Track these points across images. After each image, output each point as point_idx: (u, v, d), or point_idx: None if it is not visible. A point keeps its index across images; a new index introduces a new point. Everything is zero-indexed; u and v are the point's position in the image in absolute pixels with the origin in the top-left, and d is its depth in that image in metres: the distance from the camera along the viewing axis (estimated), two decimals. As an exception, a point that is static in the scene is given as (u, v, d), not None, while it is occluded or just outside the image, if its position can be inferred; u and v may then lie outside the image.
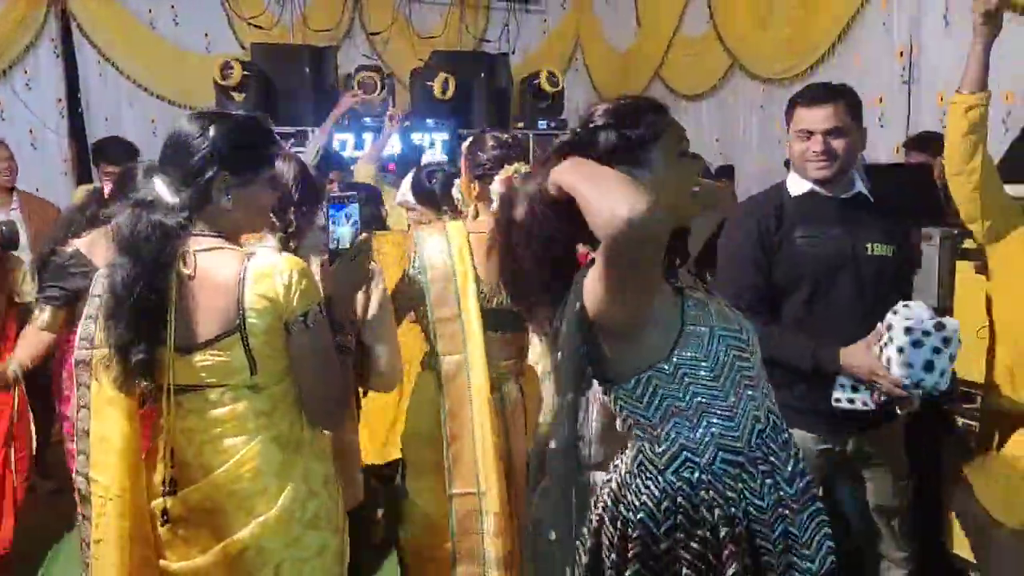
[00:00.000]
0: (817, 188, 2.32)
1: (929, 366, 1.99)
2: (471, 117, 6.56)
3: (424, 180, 3.16)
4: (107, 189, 4.32)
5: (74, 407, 1.73)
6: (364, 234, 1.84)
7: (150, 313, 1.58)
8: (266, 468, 1.67)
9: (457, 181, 2.72)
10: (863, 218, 2.32)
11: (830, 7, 4.98)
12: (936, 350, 1.99)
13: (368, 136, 6.06)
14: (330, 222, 1.81)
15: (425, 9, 7.48)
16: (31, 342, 2.76)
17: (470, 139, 2.66)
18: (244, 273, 1.62)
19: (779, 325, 2.28)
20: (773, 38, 5.51)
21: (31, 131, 6.58)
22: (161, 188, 1.63)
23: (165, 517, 1.66)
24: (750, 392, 1.46)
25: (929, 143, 4.03)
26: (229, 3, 6.91)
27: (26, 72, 6.61)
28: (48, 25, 6.63)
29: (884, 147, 4.53)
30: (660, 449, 1.44)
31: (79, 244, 2.75)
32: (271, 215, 2.00)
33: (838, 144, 2.24)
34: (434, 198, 3.09)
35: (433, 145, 6.06)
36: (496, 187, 2.47)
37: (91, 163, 4.97)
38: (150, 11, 6.81)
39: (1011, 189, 2.52)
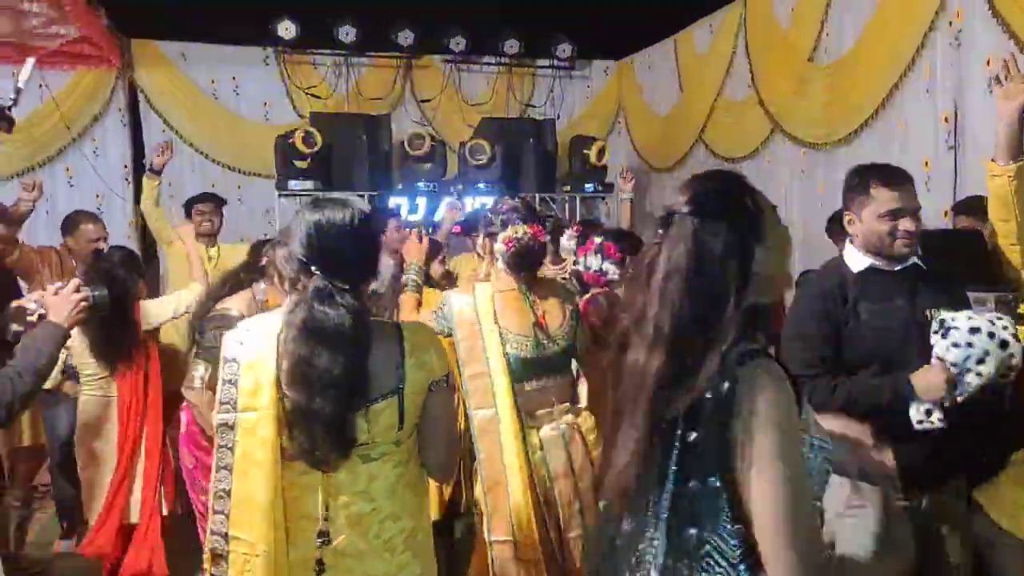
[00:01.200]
0: (878, 263, 2.41)
1: (991, 336, 2.18)
2: (519, 180, 6.76)
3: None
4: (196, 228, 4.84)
5: (213, 468, 1.84)
6: None
7: (352, 386, 1.74)
8: (404, 512, 1.85)
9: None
10: (922, 287, 2.41)
11: (871, 74, 5.09)
12: (991, 322, 2.20)
13: (421, 200, 6.27)
14: None
15: (473, 77, 7.78)
16: (207, 407, 2.97)
17: (493, 202, 2.97)
18: (401, 340, 1.82)
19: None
20: (814, 103, 5.63)
21: (98, 196, 6.92)
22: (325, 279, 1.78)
23: (320, 567, 1.78)
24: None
25: (977, 208, 4.08)
26: (287, 74, 7.25)
27: (94, 140, 6.98)
28: (116, 95, 7.01)
29: (931, 212, 4.55)
30: (734, 541, 1.36)
31: (241, 309, 3.02)
32: None
33: (918, 222, 2.37)
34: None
35: (485, 208, 6.24)
36: (499, 246, 2.71)
37: (185, 217, 5.34)
38: (212, 82, 7.17)
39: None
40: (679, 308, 1.39)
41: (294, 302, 1.77)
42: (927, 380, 2.24)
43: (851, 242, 2.48)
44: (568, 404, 2.81)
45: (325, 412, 1.71)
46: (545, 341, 2.74)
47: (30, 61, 2.49)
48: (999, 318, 2.24)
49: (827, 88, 5.49)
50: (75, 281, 2.37)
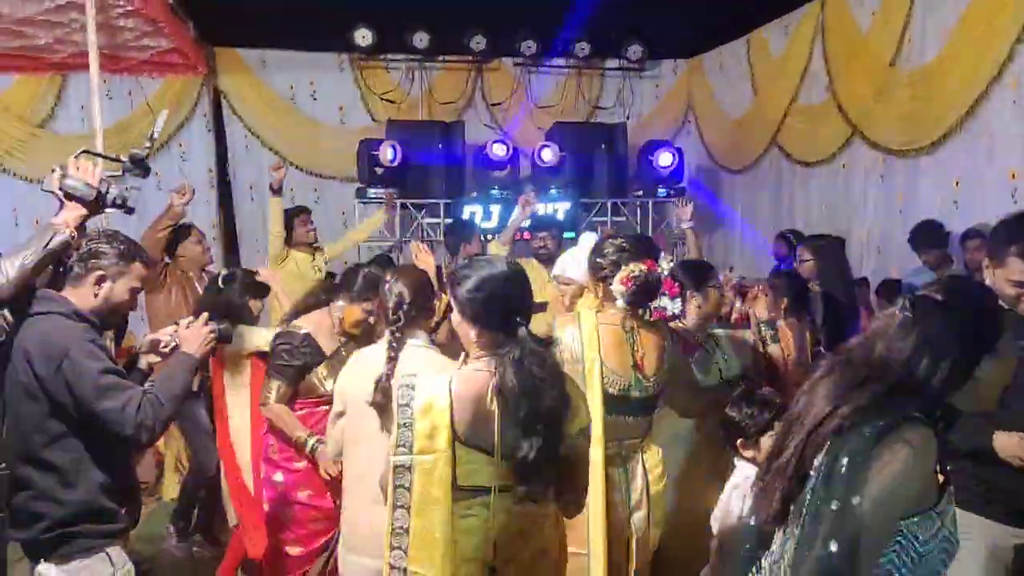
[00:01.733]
0: (1006, 304, 2.39)
1: None
2: (591, 185, 6.82)
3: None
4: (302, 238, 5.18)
5: (389, 506, 1.98)
6: None
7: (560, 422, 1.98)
8: (551, 546, 2.07)
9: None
10: None
11: (955, 83, 5.00)
12: None
13: (496, 208, 6.38)
14: None
15: (542, 79, 7.83)
16: (282, 417, 3.20)
17: (593, 245, 3.01)
18: None
19: None
20: (895, 111, 5.55)
21: (184, 199, 7.17)
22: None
23: None
24: None
25: (1067, 223, 4.03)
26: (362, 79, 7.42)
27: (181, 145, 7.25)
28: (201, 101, 7.27)
29: (1019, 226, 4.51)
30: None
31: (308, 328, 3.21)
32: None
33: None
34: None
35: (556, 214, 6.31)
36: (617, 287, 2.76)
37: (286, 223, 5.39)
38: (291, 87, 7.38)
39: None
40: (890, 374, 1.52)
41: (513, 354, 1.93)
42: (1009, 446, 2.26)
43: (994, 287, 2.48)
44: (638, 440, 2.87)
45: (552, 449, 1.93)
46: (642, 382, 2.80)
47: (164, 113, 2.64)
48: None
49: (909, 95, 5.41)
50: (204, 315, 2.53)
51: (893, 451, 1.45)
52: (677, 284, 3.14)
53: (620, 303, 2.78)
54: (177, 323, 2.55)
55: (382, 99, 7.37)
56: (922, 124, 5.31)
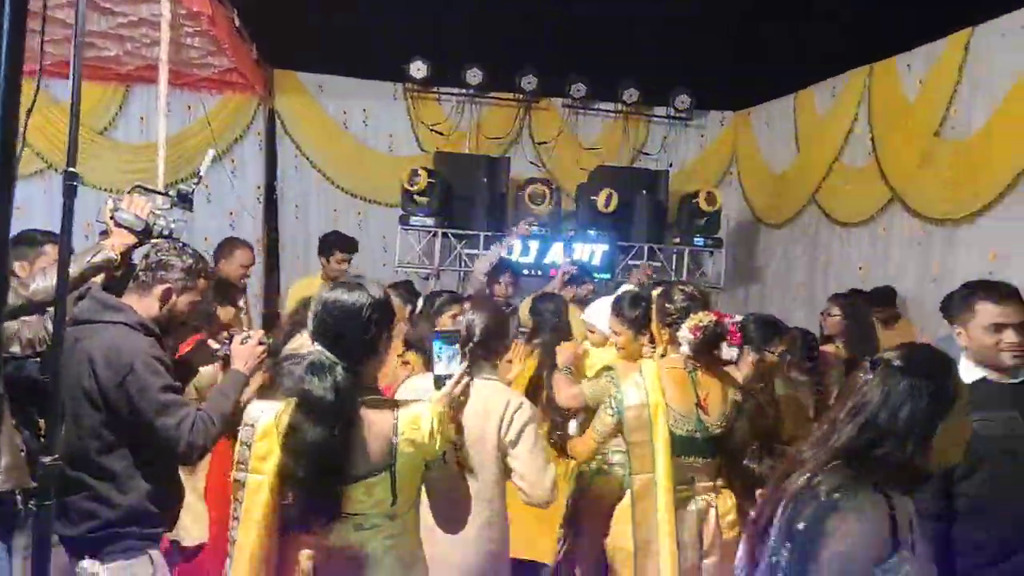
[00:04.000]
0: (990, 376, 2.47)
1: None
2: (631, 230, 6.91)
3: (627, 307, 3.50)
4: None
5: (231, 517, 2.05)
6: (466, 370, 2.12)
7: (332, 456, 1.91)
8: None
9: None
10: None
11: (999, 156, 5.01)
12: None
13: (534, 244, 6.50)
14: (436, 353, 2.10)
15: (589, 121, 7.97)
16: None
17: (660, 289, 3.09)
18: (396, 420, 1.95)
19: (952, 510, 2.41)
20: (937, 178, 5.58)
21: (231, 213, 7.36)
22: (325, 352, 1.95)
23: None
24: None
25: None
26: (414, 110, 7.60)
27: (233, 161, 7.44)
28: (256, 120, 7.48)
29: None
30: None
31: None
32: None
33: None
34: (638, 324, 3.43)
35: (593, 256, 6.40)
36: (685, 334, 2.85)
37: (318, 253, 5.66)
38: (344, 112, 7.58)
39: None
40: (852, 437, 1.67)
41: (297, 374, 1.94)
42: None
43: (964, 355, 2.54)
44: (711, 483, 2.94)
45: (308, 480, 1.90)
46: (706, 422, 2.88)
47: (210, 153, 2.83)
48: None
49: (952, 165, 5.45)
50: (259, 333, 2.62)
51: (845, 521, 1.58)
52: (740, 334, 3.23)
53: (684, 349, 2.89)
54: (231, 336, 2.65)
55: (431, 130, 7.54)
56: (963, 195, 5.32)
